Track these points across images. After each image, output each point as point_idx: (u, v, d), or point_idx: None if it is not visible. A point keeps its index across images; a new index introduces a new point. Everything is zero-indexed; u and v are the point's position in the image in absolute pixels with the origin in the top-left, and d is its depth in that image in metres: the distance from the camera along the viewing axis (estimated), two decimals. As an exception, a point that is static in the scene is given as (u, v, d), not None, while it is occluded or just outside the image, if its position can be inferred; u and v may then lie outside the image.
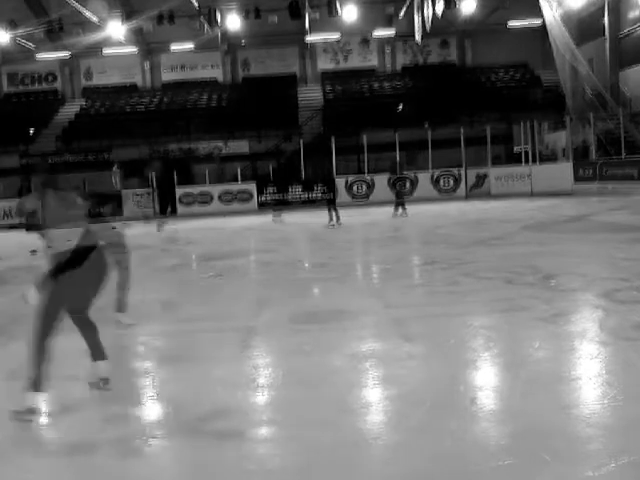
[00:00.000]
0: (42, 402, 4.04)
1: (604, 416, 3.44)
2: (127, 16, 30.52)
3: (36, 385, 4.04)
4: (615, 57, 27.00)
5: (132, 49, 34.46)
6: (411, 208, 17.44)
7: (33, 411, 3.99)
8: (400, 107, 28.87)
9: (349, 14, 29.93)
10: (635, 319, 5.21)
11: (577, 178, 22.63)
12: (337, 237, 13.98)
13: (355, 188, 25.18)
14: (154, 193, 25.68)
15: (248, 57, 35.75)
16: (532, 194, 23.04)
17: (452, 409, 3.64)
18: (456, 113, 27.73)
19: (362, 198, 24.93)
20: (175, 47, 34.29)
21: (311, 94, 33.66)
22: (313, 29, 33.61)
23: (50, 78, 36.40)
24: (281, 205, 24.25)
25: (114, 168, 28.70)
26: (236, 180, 25.94)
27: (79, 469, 3.27)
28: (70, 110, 33.63)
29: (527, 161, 24.44)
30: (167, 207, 25.71)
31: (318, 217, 17.59)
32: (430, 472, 2.96)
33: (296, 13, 29.99)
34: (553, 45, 26.24)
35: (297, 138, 27.16)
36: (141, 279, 9.95)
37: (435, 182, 25.07)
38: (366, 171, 25.70)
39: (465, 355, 4.69)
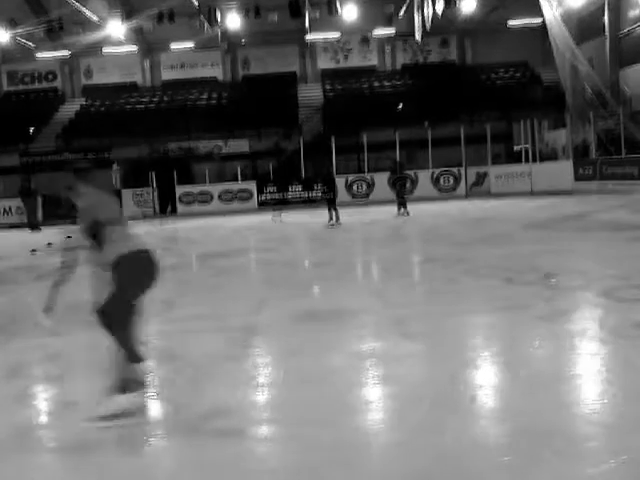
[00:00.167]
0: (135, 403, 3.89)
1: (604, 414, 3.45)
2: (127, 15, 30.50)
3: (133, 357, 3.95)
4: (615, 56, 26.96)
5: (132, 48, 34.43)
6: (411, 207, 17.44)
7: (136, 382, 3.92)
8: (400, 106, 28.85)
9: (349, 13, 29.91)
10: (635, 317, 5.21)
11: (577, 177, 22.61)
12: (337, 236, 13.99)
13: (355, 187, 25.20)
14: (154, 192, 25.70)
15: (248, 56, 35.72)
16: (532, 193, 23.04)
17: (452, 407, 3.64)
18: (456, 112, 27.71)
19: (362, 197, 24.94)
20: (175, 46, 34.26)
21: (311, 93, 33.64)
22: (313, 28, 33.58)
23: (50, 77, 36.37)
24: (281, 204, 24.27)
25: (114, 167, 28.72)
26: (236, 179, 25.94)
27: (79, 468, 3.27)
28: (70, 109, 33.60)
29: (527, 160, 24.43)
30: (167, 206, 25.74)
31: (318, 216, 17.60)
32: (430, 470, 2.97)
33: (296, 12, 29.96)
34: (553, 44, 26.21)
35: (297, 137, 27.15)
36: (141, 278, 9.97)
37: (435, 181, 25.08)
38: (366, 170, 25.70)
39: (465, 354, 4.69)
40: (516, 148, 26.60)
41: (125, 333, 4.01)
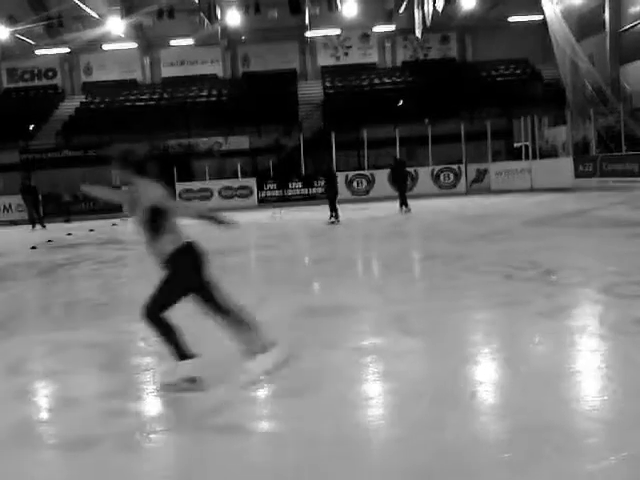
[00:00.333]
0: (193, 368, 4.10)
1: (604, 410, 3.45)
2: (127, 11, 30.43)
3: (181, 355, 4.09)
4: (615, 53, 26.92)
5: (132, 44, 34.38)
6: (411, 204, 17.44)
7: (192, 380, 4.09)
8: (400, 103, 28.82)
9: (349, 9, 29.86)
10: (635, 314, 5.22)
11: (577, 173, 22.60)
12: (337, 233, 13.99)
13: (355, 184, 25.19)
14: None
15: (248, 52, 35.68)
16: (532, 189, 23.03)
17: (452, 404, 3.65)
18: (456, 108, 27.68)
19: (362, 194, 24.94)
20: (175, 42, 34.22)
21: (311, 90, 33.60)
22: (313, 24, 33.53)
23: (50, 74, 36.33)
24: (281, 201, 24.29)
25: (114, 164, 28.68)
26: (236, 176, 25.92)
27: (79, 464, 3.28)
28: (70, 106, 33.57)
29: (527, 156, 24.42)
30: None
31: (318, 213, 17.59)
32: (430, 466, 2.97)
33: (296, 8, 29.91)
34: (553, 40, 26.17)
35: (297, 134, 27.12)
36: (141, 274, 9.96)
37: (435, 178, 25.07)
38: (366, 166, 25.69)
39: (465, 350, 4.69)
40: (516, 145, 26.58)
41: (168, 332, 4.09)
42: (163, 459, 3.33)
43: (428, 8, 25.77)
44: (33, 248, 14.19)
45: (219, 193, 25.42)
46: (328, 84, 33.84)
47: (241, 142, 28.55)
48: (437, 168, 25.13)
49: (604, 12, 26.99)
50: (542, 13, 27.09)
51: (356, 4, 29.63)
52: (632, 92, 25.50)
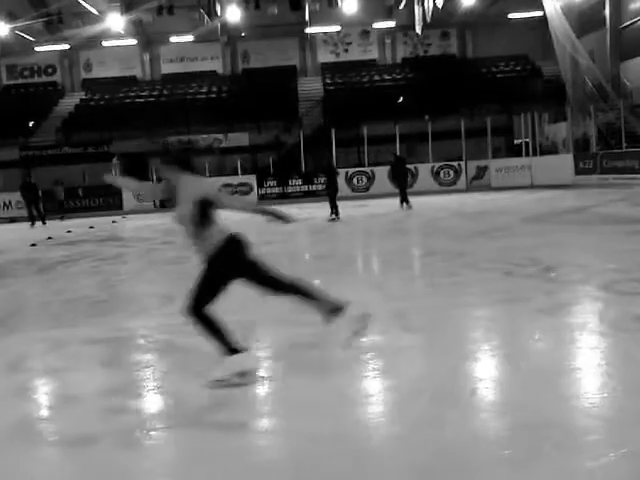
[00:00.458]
0: (243, 362, 4.15)
1: (604, 407, 3.45)
2: (126, 8, 30.37)
3: (230, 349, 4.12)
4: (616, 49, 26.88)
5: (131, 41, 34.32)
6: (411, 200, 17.43)
7: (242, 374, 4.11)
8: (400, 99, 28.78)
9: (349, 6, 29.80)
10: (635, 311, 5.21)
11: (577, 170, 22.60)
12: (337, 229, 13.98)
13: (355, 180, 25.18)
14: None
15: (248, 49, 35.62)
16: (532, 186, 23.03)
17: (452, 400, 3.65)
18: (456, 105, 27.64)
19: (362, 190, 24.92)
20: (175, 39, 34.15)
21: (311, 86, 33.55)
22: (313, 21, 33.47)
23: (49, 70, 36.27)
24: (281, 198, 24.26)
25: (114, 160, 28.65)
26: (236, 173, 25.89)
27: (79, 461, 3.28)
28: (69, 102, 33.52)
29: (527, 153, 24.40)
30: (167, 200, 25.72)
31: (318, 210, 17.59)
32: (430, 463, 2.97)
33: (296, 4, 29.85)
34: (553, 36, 26.12)
35: (297, 130, 27.09)
36: (141, 271, 9.97)
37: (435, 174, 25.05)
38: (366, 163, 25.67)
39: (465, 347, 4.69)
40: (516, 141, 26.56)
41: (213, 327, 4.13)
42: (163, 456, 3.33)
43: (428, 4, 25.72)
44: (33, 245, 14.20)
45: (219, 190, 25.36)
46: (328, 80, 33.78)
47: (241, 139, 28.51)
48: (437, 165, 25.11)
49: (604, 8, 26.94)
50: (542, 9, 27.03)
51: (356, 0, 29.57)
52: (632, 88, 25.47)
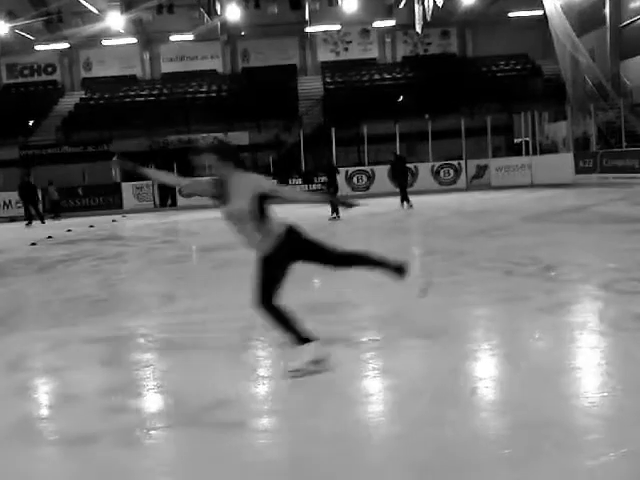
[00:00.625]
0: (315, 351, 4.15)
1: (604, 407, 3.45)
2: (126, 7, 30.38)
3: (300, 339, 4.16)
4: (616, 48, 26.87)
5: (131, 40, 34.32)
6: (411, 199, 17.43)
7: (317, 361, 4.13)
8: (400, 98, 28.77)
9: (349, 4, 29.81)
10: (635, 310, 5.21)
11: (577, 169, 22.60)
12: (338, 228, 13.98)
13: (355, 179, 25.17)
14: (154, 185, 25.66)
15: (248, 48, 35.61)
16: (532, 185, 23.03)
17: (452, 400, 3.65)
18: (456, 104, 27.64)
19: (362, 189, 24.92)
20: (174, 38, 34.14)
21: (311, 85, 33.55)
22: (313, 19, 33.47)
23: (49, 69, 36.27)
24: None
25: (114, 159, 28.63)
26: (236, 172, 25.85)
27: (79, 460, 3.28)
28: (69, 101, 33.52)
29: (527, 152, 24.41)
30: (167, 199, 25.72)
31: (319, 209, 17.57)
32: (430, 462, 2.97)
33: (296, 3, 29.87)
34: (554, 35, 26.12)
35: (297, 129, 27.09)
36: (141, 270, 9.97)
37: (435, 173, 25.05)
38: (366, 162, 25.66)
39: (465, 346, 4.69)
40: (516, 140, 26.56)
41: (284, 318, 4.18)
42: (163, 455, 3.33)
43: (428, 3, 25.71)
44: (33, 244, 14.20)
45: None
46: (328, 79, 33.78)
47: (241, 138, 28.47)
48: (437, 164, 25.12)
49: (604, 7, 26.93)
50: (542, 8, 27.02)
51: (356, -1, 29.58)
52: (632, 87, 25.46)
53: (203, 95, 33.21)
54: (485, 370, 4.29)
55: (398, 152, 22.05)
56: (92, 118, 30.00)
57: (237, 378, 4.27)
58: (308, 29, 34.32)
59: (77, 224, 19.48)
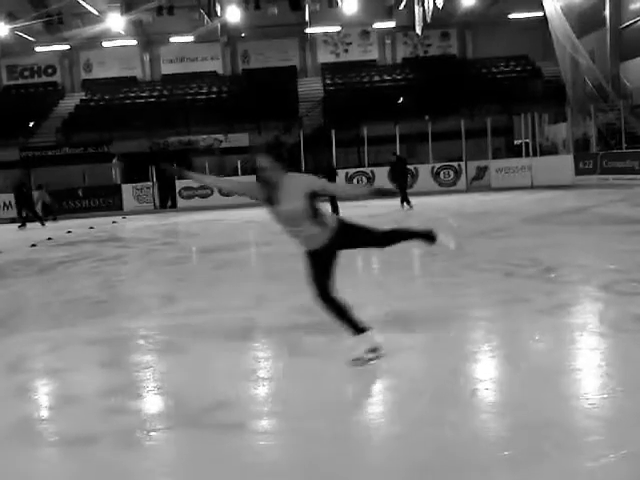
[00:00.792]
0: (372, 340, 4.31)
1: (604, 408, 3.45)
2: (126, 8, 30.39)
3: (357, 329, 4.31)
4: (616, 49, 26.87)
5: (131, 41, 34.33)
6: (412, 200, 17.43)
7: (374, 350, 4.27)
8: (400, 99, 28.78)
9: (349, 6, 29.80)
10: (635, 311, 5.21)
11: (577, 171, 22.59)
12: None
13: (355, 181, 25.16)
14: (154, 187, 25.68)
15: (248, 49, 35.63)
16: (532, 186, 23.03)
17: (452, 401, 3.65)
18: (456, 105, 27.65)
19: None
20: (175, 39, 34.16)
21: (311, 86, 33.56)
22: (313, 21, 33.47)
23: (49, 71, 36.27)
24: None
25: (114, 161, 28.65)
26: (236, 173, 25.86)
27: (79, 461, 3.28)
28: (70, 103, 33.52)
29: (527, 154, 24.40)
30: (167, 200, 25.73)
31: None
32: (430, 463, 2.97)
33: (296, 5, 29.87)
34: (553, 36, 26.12)
35: (297, 131, 27.09)
36: (141, 272, 9.97)
37: (435, 175, 25.04)
38: (366, 164, 25.66)
39: (465, 347, 4.69)
40: (516, 142, 26.55)
41: (342, 310, 4.36)
42: (163, 457, 3.33)
43: (428, 4, 25.72)
44: (33, 246, 14.20)
45: (219, 190, 25.34)
46: (328, 81, 33.79)
47: (241, 139, 28.50)
48: (437, 165, 25.11)
49: (605, 8, 26.93)
50: (542, 9, 27.03)
51: (356, 0, 29.56)
52: (632, 89, 25.46)
53: (203, 96, 33.22)
54: (485, 371, 4.29)
55: (398, 153, 22.05)
56: (92, 119, 30.00)
57: (237, 379, 4.27)
58: (308, 30, 34.33)
59: (77, 225, 19.48)
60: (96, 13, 29.58)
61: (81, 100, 33.82)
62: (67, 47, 34.41)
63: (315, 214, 4.25)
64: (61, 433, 3.64)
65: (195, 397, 3.96)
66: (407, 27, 31.96)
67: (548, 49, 28.40)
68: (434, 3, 25.33)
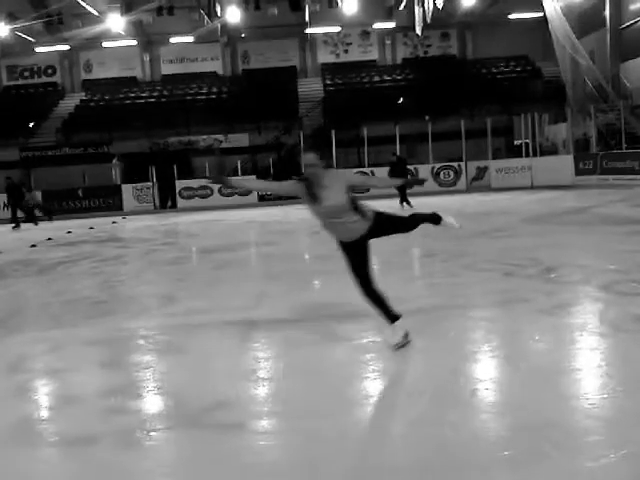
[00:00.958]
0: (404, 327, 4.61)
1: (604, 408, 3.45)
2: (126, 8, 30.38)
3: (392, 317, 4.61)
4: (616, 49, 26.86)
5: (131, 41, 34.32)
6: (411, 200, 17.43)
7: (406, 335, 4.57)
8: (400, 100, 28.78)
9: (349, 6, 29.78)
10: (635, 311, 5.21)
11: (577, 171, 22.59)
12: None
13: (355, 181, 25.14)
14: (154, 187, 25.67)
15: (248, 49, 35.62)
16: (532, 187, 23.02)
17: (452, 401, 3.65)
18: (456, 106, 27.64)
19: (362, 191, 24.90)
20: (175, 39, 34.15)
21: (311, 87, 33.56)
22: (313, 21, 33.47)
23: (50, 71, 36.27)
24: (281, 199, 24.22)
25: (114, 161, 28.65)
26: (236, 173, 25.86)
27: (79, 461, 3.28)
28: (70, 103, 33.52)
29: (527, 154, 24.40)
30: (167, 201, 25.73)
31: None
32: (430, 463, 2.97)
33: (296, 5, 29.87)
34: (553, 36, 26.12)
35: (297, 131, 27.09)
36: (141, 272, 9.97)
37: (435, 175, 25.03)
38: (366, 164, 25.64)
39: (465, 347, 4.69)
40: (516, 142, 26.54)
41: (381, 301, 4.63)
42: (163, 457, 3.33)
43: (428, 5, 25.71)
44: (33, 246, 14.20)
45: (219, 191, 25.37)
46: (328, 81, 33.79)
47: (241, 139, 28.50)
48: (437, 165, 25.10)
49: (605, 9, 26.93)
50: (542, 10, 27.01)
51: (356, 1, 29.55)
52: (632, 89, 25.46)
53: (203, 97, 33.22)
54: (485, 371, 4.29)
55: (398, 153, 22.04)
56: (92, 120, 29.99)
57: (237, 379, 4.28)
58: (308, 31, 34.33)
59: (77, 226, 19.48)
60: (96, 13, 29.57)
61: (81, 100, 33.82)
62: (67, 47, 34.40)
63: (355, 206, 4.48)
64: (61, 433, 3.64)
65: (195, 397, 3.97)
66: (407, 27, 31.95)
67: (548, 49, 28.39)
68: (434, 3, 25.33)
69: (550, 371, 4.03)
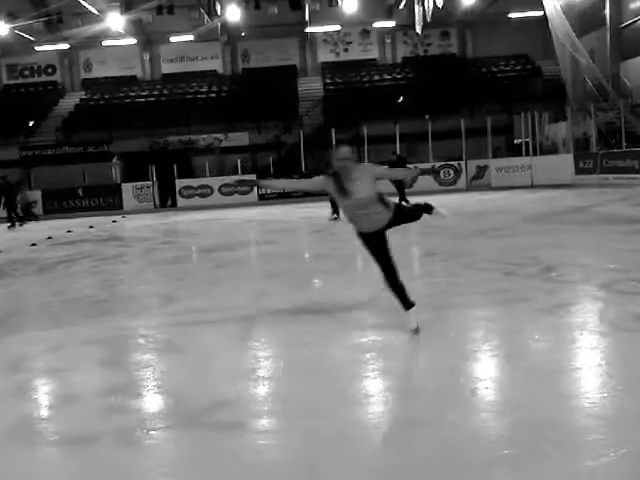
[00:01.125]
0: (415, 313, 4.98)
1: (604, 407, 3.45)
2: (126, 7, 30.38)
3: (409, 305, 4.95)
4: (616, 48, 26.86)
5: (131, 40, 34.31)
6: (411, 199, 17.42)
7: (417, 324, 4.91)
8: (401, 99, 28.77)
9: (349, 5, 29.78)
10: (635, 310, 5.22)
11: (577, 170, 22.59)
12: (338, 229, 13.97)
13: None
14: (154, 186, 25.67)
15: (248, 48, 35.62)
16: (532, 186, 23.03)
17: (452, 400, 3.65)
18: (456, 104, 27.63)
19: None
20: (175, 38, 34.13)
21: (311, 86, 33.54)
22: (313, 20, 33.46)
23: (49, 70, 36.27)
24: (281, 198, 24.22)
25: (114, 160, 28.64)
26: (236, 172, 25.87)
27: (80, 460, 3.28)
28: (69, 102, 33.52)
29: (527, 153, 24.40)
30: (167, 199, 25.73)
31: (319, 209, 17.58)
32: (430, 462, 2.97)
33: (296, 4, 29.84)
34: (554, 35, 26.11)
35: (297, 130, 27.08)
36: (141, 271, 9.97)
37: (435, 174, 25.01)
38: (366, 163, 25.63)
39: (465, 346, 4.69)
40: (516, 141, 26.54)
41: (402, 291, 4.95)
42: (163, 456, 3.33)
43: (428, 3, 25.69)
44: (33, 245, 14.20)
45: (219, 190, 25.37)
46: (328, 80, 33.77)
47: (241, 138, 28.50)
48: (437, 164, 25.10)
49: (605, 7, 26.92)
50: (542, 9, 27.00)
51: (356, 0, 29.54)
52: (632, 88, 25.45)
53: (203, 96, 33.21)
54: (485, 371, 4.29)
55: (398, 152, 22.03)
56: (92, 119, 29.99)
57: (237, 378, 4.27)
58: (308, 30, 34.32)
59: (77, 225, 19.48)
60: (96, 12, 29.55)
61: (81, 99, 33.81)
62: (67, 46, 34.40)
63: (382, 198, 4.70)
64: (61, 432, 3.64)
65: (195, 396, 3.96)
66: (407, 26, 31.94)
67: (548, 48, 28.38)
68: (434, 2, 25.30)
69: (550, 370, 4.03)
